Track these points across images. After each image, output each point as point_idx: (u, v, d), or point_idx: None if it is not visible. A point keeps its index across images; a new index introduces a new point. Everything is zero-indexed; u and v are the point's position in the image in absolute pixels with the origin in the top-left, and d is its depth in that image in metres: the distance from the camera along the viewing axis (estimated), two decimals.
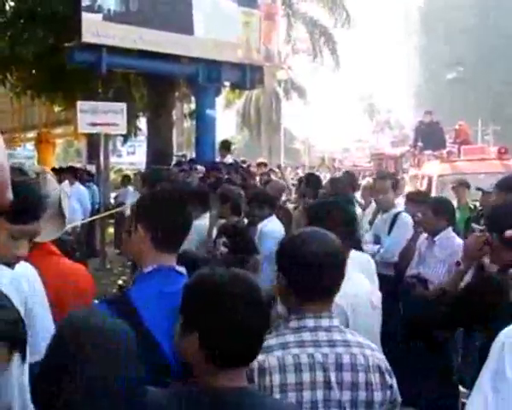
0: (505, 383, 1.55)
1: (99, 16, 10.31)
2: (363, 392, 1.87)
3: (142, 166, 14.44)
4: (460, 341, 3.73)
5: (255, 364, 1.80)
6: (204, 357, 1.54)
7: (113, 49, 10.52)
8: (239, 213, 5.26)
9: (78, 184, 10.38)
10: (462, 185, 7.57)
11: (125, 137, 15.38)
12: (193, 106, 15.55)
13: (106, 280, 8.48)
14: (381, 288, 3.10)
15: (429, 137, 12.41)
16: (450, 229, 4.36)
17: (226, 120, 33.02)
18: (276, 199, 6.04)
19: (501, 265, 2.48)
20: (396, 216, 5.20)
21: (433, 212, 4.39)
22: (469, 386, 2.88)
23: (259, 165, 12.41)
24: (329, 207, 2.74)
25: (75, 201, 9.58)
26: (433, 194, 8.60)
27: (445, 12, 51.70)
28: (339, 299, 2.08)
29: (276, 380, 1.81)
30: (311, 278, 1.92)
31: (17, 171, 1.74)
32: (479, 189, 6.17)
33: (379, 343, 2.43)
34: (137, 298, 1.92)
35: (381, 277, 3.33)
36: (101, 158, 10.69)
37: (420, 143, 12.38)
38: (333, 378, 1.85)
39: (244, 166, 11.26)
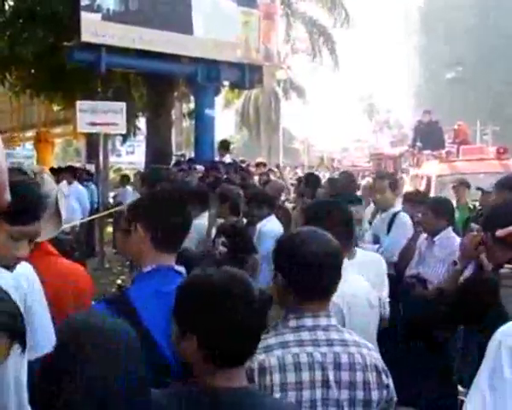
0: (502, 381, 1.56)
1: (98, 16, 10.32)
2: (360, 391, 1.88)
3: (142, 166, 14.44)
4: (460, 341, 3.72)
5: (255, 363, 1.80)
6: (203, 358, 1.54)
7: (113, 49, 10.53)
8: (238, 213, 5.25)
9: (76, 184, 10.37)
10: (462, 185, 7.56)
11: (125, 137, 15.39)
12: (192, 105, 15.54)
13: (105, 280, 8.48)
14: None
15: (428, 136, 12.40)
16: (450, 229, 4.37)
17: (225, 119, 33.01)
18: (275, 199, 6.04)
19: (495, 264, 2.49)
20: (394, 216, 5.20)
21: (433, 212, 4.39)
22: (468, 386, 2.89)
23: (258, 165, 12.41)
24: (329, 206, 2.75)
25: (74, 200, 9.58)
26: (432, 194, 8.60)
27: (445, 12, 51.71)
28: (335, 298, 2.09)
29: (276, 379, 1.82)
30: (311, 278, 1.93)
31: (16, 171, 1.73)
32: (479, 188, 6.17)
33: (375, 343, 2.43)
34: (136, 298, 1.92)
35: None
36: (101, 157, 10.69)
37: (419, 143, 12.38)
38: (331, 377, 1.86)
39: (243, 165, 11.27)
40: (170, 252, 2.04)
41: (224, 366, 1.55)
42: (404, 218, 5.08)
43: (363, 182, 8.50)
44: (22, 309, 1.91)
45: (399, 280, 4.41)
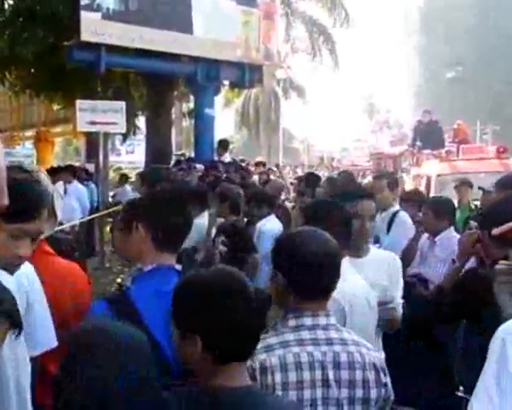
0: (509, 379, 1.55)
1: (98, 15, 10.31)
2: (360, 390, 1.90)
3: (141, 165, 14.43)
4: (460, 341, 3.72)
5: (257, 363, 1.81)
6: (207, 358, 1.53)
7: (112, 48, 10.52)
8: (238, 213, 5.25)
9: (76, 183, 10.35)
10: (464, 185, 7.49)
11: (124, 136, 15.40)
12: (192, 105, 15.52)
13: (105, 279, 8.49)
14: None
15: (428, 136, 12.41)
16: (451, 229, 4.37)
17: (225, 119, 32.98)
18: (274, 198, 6.04)
19: (492, 261, 2.50)
20: (394, 215, 5.20)
21: (433, 212, 4.39)
22: (468, 386, 2.88)
23: (258, 164, 12.42)
24: (328, 206, 2.74)
25: (74, 200, 9.57)
26: (433, 193, 8.60)
27: (445, 12, 51.66)
28: (337, 295, 2.09)
29: (277, 379, 1.83)
30: (311, 278, 1.94)
31: (17, 169, 1.71)
32: (480, 188, 6.16)
33: (374, 343, 2.43)
34: (137, 298, 1.92)
35: None
36: (101, 157, 10.67)
37: (418, 143, 12.38)
38: (331, 376, 1.88)
39: (243, 165, 11.27)
40: (170, 252, 2.04)
41: (225, 365, 1.55)
42: (404, 217, 5.07)
43: (364, 181, 8.49)
44: (24, 308, 1.91)
45: None
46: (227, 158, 10.97)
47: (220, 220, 5.18)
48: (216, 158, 11.02)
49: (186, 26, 11.56)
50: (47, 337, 2.04)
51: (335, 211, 2.65)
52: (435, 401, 3.72)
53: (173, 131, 16.33)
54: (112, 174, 17.81)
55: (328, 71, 25.65)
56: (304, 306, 1.95)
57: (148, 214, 2.04)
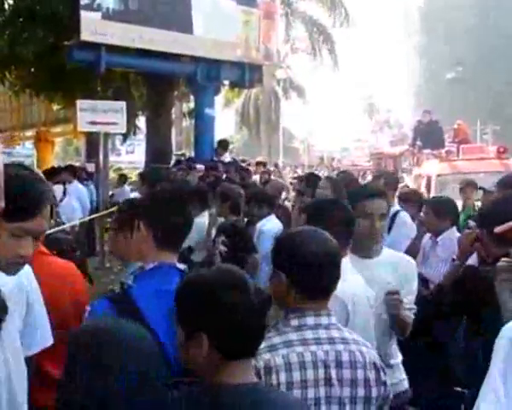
0: None
1: (98, 15, 10.32)
2: (361, 388, 1.91)
3: (141, 165, 14.43)
4: (461, 341, 3.72)
5: (261, 363, 1.82)
6: (213, 356, 1.52)
7: (112, 48, 10.53)
8: (238, 213, 5.25)
9: (76, 183, 10.35)
10: (469, 186, 7.27)
11: (125, 136, 15.40)
12: (192, 105, 15.54)
13: (105, 279, 8.46)
14: None
15: (428, 136, 12.41)
16: (454, 229, 4.36)
17: (225, 119, 32.99)
18: (275, 198, 6.03)
19: (491, 260, 2.51)
20: (395, 215, 5.19)
21: (434, 212, 4.39)
22: (468, 386, 2.88)
23: (258, 164, 12.43)
24: (329, 206, 2.73)
25: (75, 199, 9.56)
26: (433, 193, 8.59)
27: (445, 12, 51.64)
28: (340, 293, 2.09)
29: (282, 378, 1.84)
30: (312, 278, 1.94)
31: (17, 166, 1.69)
32: (481, 188, 6.14)
33: (374, 342, 2.43)
34: (139, 296, 1.92)
35: None
36: (101, 157, 10.67)
37: (418, 142, 12.38)
38: (333, 375, 1.89)
39: (243, 165, 11.27)
40: (172, 250, 2.05)
41: (230, 362, 1.54)
42: (405, 217, 5.07)
43: (363, 182, 8.48)
44: (25, 308, 1.91)
45: None
46: (227, 158, 10.98)
47: (220, 220, 5.17)
48: (215, 158, 11.02)
49: (186, 26, 11.57)
50: (44, 337, 2.04)
51: (336, 210, 2.64)
52: (435, 401, 3.72)
53: (173, 131, 16.34)
54: (112, 174, 17.82)
55: (327, 71, 25.68)
56: (306, 305, 1.95)
57: (149, 214, 2.05)
